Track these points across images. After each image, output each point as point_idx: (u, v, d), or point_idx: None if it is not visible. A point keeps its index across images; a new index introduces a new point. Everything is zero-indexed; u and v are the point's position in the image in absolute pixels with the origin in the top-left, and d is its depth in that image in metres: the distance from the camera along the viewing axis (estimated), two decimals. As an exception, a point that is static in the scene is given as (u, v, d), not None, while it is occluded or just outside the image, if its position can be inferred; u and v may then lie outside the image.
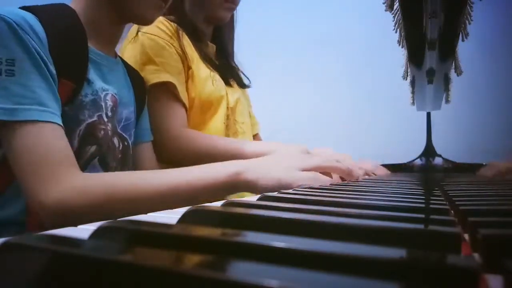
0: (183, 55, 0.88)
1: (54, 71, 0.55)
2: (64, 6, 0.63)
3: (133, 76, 0.77)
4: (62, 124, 0.54)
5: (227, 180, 0.55)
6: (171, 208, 0.30)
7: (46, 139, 0.51)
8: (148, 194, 0.53)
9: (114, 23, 0.68)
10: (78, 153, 0.59)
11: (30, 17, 0.55)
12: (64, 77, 0.57)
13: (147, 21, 0.69)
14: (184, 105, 0.85)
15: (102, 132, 0.63)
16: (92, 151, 0.62)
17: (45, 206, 0.50)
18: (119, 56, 0.75)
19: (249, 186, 0.56)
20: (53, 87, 0.54)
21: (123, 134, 0.69)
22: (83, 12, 0.63)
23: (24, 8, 0.57)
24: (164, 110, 0.83)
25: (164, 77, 0.82)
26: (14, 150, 0.51)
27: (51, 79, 0.54)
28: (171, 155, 0.84)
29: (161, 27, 0.86)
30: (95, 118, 0.62)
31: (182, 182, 0.55)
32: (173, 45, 0.86)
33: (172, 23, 0.89)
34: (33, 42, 0.53)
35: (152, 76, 0.82)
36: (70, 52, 0.59)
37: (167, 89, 0.83)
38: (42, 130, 0.51)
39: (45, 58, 0.54)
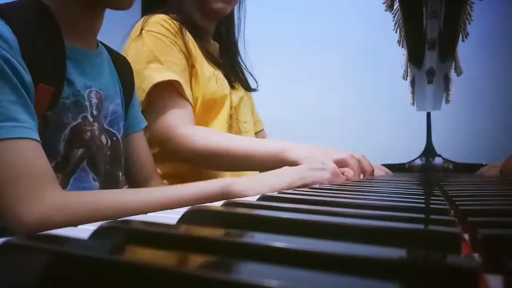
0: (187, 53, 0.88)
1: (29, 78, 0.51)
2: (34, 1, 0.57)
3: (119, 64, 0.73)
4: (38, 139, 0.51)
5: (219, 193, 0.55)
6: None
7: (23, 155, 0.49)
8: (139, 211, 0.51)
9: (91, 12, 0.63)
10: (66, 157, 0.57)
11: None
12: (42, 82, 0.53)
13: (123, 6, 0.63)
14: (190, 102, 0.85)
15: (89, 133, 0.61)
16: (80, 154, 0.59)
17: (26, 224, 0.47)
18: (102, 43, 0.70)
19: (239, 196, 0.55)
20: (26, 100, 0.51)
21: (111, 129, 0.67)
22: (56, 5, 0.58)
23: None
24: (171, 108, 0.83)
25: (170, 76, 0.82)
26: None
27: (23, 91, 0.50)
28: (180, 152, 0.83)
29: (165, 26, 0.86)
30: (79, 120, 0.59)
31: (175, 197, 0.53)
32: (177, 43, 0.86)
33: (175, 22, 0.88)
34: (2, 51, 0.49)
35: (157, 74, 0.81)
36: (45, 54, 0.55)
37: (173, 87, 0.83)
38: (18, 147, 0.48)
39: (17, 66, 0.50)
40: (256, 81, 1.07)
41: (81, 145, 0.59)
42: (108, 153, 0.66)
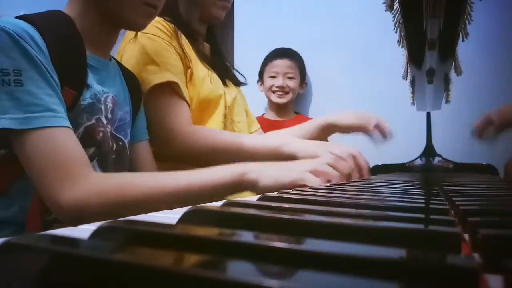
0: (182, 54, 0.88)
1: (57, 80, 0.56)
2: (60, 13, 0.63)
3: (128, 76, 0.77)
4: (71, 126, 0.56)
5: (234, 179, 0.58)
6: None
7: (59, 142, 0.53)
8: (162, 194, 0.55)
9: (108, 29, 0.68)
10: None
11: (29, 28, 0.55)
12: (66, 85, 0.58)
13: (139, 28, 0.70)
14: (187, 102, 0.86)
15: (101, 134, 0.64)
16: (91, 153, 0.63)
17: (63, 205, 0.52)
18: (113, 58, 0.76)
19: (251, 185, 0.59)
20: (58, 93, 0.56)
21: (117, 134, 0.70)
22: (78, 19, 0.64)
23: (21, 17, 0.57)
24: (169, 109, 0.83)
25: (167, 77, 0.82)
26: (29, 156, 0.52)
27: (56, 86, 0.56)
28: (180, 153, 0.84)
29: (159, 27, 0.86)
30: (93, 121, 0.63)
31: (194, 182, 0.57)
32: (172, 45, 0.86)
33: (169, 24, 0.89)
34: (34, 51, 0.54)
35: (154, 76, 0.82)
36: (70, 60, 0.60)
37: (170, 88, 0.83)
38: (55, 134, 0.53)
39: (48, 67, 0.55)
40: (244, 77, 1.08)
41: (93, 144, 0.63)
42: (113, 156, 0.69)
